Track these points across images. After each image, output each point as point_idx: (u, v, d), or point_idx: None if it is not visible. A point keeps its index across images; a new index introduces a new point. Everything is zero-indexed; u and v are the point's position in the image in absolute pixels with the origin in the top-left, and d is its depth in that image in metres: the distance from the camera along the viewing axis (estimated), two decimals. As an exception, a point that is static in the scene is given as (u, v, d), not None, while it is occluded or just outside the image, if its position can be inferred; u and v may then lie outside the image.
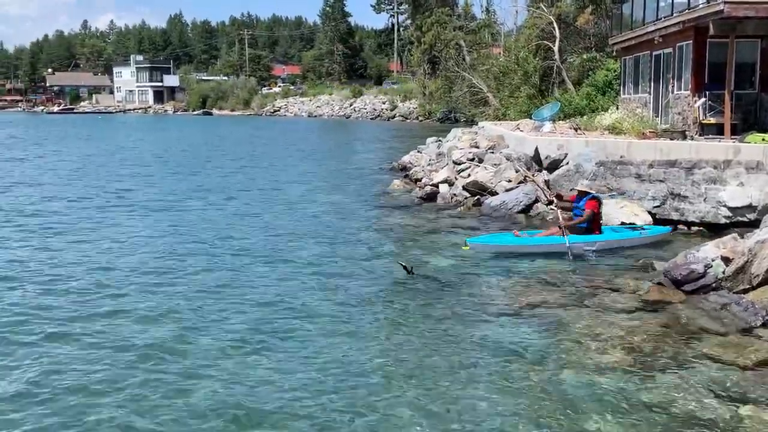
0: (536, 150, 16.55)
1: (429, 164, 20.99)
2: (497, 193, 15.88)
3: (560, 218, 11.75)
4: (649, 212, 13.41)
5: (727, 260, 9.04)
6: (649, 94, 21.02)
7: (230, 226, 14.29)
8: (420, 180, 19.57)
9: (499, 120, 31.94)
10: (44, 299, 9.05)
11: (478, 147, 20.06)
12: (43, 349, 7.35)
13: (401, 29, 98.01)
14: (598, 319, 8.33)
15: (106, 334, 7.79)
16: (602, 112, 21.82)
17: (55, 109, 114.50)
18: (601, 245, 11.51)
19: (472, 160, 18.59)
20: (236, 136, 49.38)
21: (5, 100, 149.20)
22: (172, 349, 7.35)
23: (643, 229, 12.48)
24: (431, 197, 17.42)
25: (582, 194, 11.98)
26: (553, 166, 15.77)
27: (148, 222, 14.77)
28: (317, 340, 7.59)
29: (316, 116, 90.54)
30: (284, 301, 8.99)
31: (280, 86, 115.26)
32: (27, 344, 7.48)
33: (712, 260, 9.17)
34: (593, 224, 11.80)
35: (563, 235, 11.37)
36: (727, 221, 12.97)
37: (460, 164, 18.55)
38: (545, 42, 35.72)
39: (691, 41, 17.70)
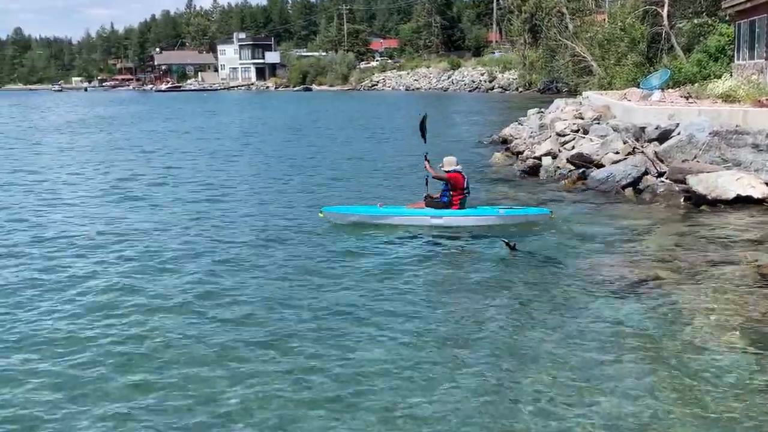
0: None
1: (531, 136, 20.55)
2: (604, 166, 15.38)
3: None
4: (767, 184, 12.70)
5: None
6: (766, 59, 19.83)
7: (325, 197, 14.45)
8: (522, 153, 19.19)
9: (604, 89, 30.89)
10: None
11: (582, 118, 19.50)
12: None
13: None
14: (713, 294, 7.98)
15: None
16: (715, 80, 20.76)
17: (163, 87, 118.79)
18: (449, 221, 11.34)
19: (577, 131, 18.08)
20: (336, 111, 49.93)
21: (117, 79, 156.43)
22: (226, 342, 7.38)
23: (510, 209, 11.97)
24: (534, 170, 17.08)
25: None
26: (664, 136, 15.12)
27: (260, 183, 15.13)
28: (421, 313, 7.59)
29: (413, 90, 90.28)
30: (392, 270, 9.08)
31: (377, 60, 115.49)
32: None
33: (841, 235, 8.61)
34: (452, 200, 11.50)
35: (454, 208, 11.42)
36: None
37: (563, 136, 18.07)
38: (653, 7, 34.15)
39: (815, 1, 16.54)
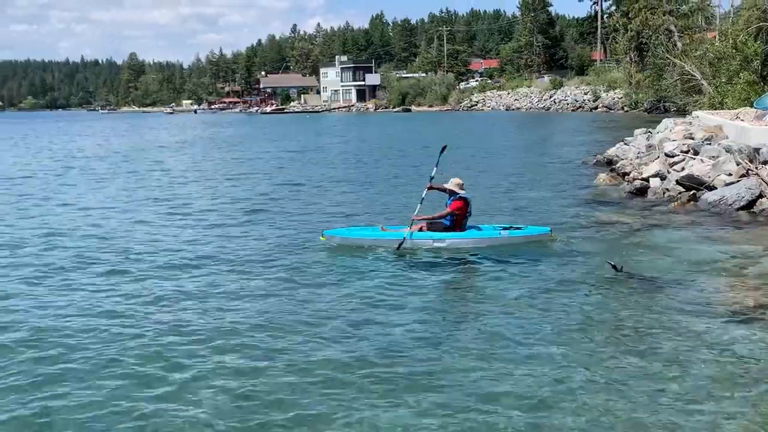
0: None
1: (638, 157, 20.04)
2: (715, 188, 14.85)
3: (417, 210, 11.68)
4: None
5: None
6: None
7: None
8: (628, 174, 18.75)
9: (715, 109, 29.83)
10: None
11: (692, 138, 18.88)
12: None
13: (605, 16, 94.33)
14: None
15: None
16: (836, 98, 19.72)
17: (268, 109, 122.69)
18: (452, 243, 11.33)
19: (687, 152, 17.51)
20: (435, 131, 50.14)
21: (224, 102, 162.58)
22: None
23: (511, 228, 11.67)
24: (641, 192, 16.66)
25: (452, 193, 11.55)
26: (781, 158, 14.49)
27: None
28: (520, 335, 7.52)
29: (514, 109, 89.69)
30: (484, 292, 9.05)
31: (477, 80, 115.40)
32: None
33: None
34: (455, 223, 11.39)
35: (418, 230, 11.38)
36: None
37: (672, 157, 17.54)
38: (767, 24, 32.89)
39: None
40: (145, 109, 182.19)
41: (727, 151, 16.00)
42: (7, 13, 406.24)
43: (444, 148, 12.40)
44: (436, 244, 11.39)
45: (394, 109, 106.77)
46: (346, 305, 8.77)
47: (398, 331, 7.78)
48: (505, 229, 11.70)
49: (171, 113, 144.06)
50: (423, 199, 11.83)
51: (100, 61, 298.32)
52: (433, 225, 11.59)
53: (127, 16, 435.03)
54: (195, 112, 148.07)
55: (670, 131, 21.53)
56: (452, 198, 11.60)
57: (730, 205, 13.98)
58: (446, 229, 11.54)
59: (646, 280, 9.50)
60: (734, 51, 33.12)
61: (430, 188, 11.78)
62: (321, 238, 11.98)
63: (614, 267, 9.74)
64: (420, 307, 8.64)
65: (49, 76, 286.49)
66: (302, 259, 11.19)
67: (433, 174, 11.87)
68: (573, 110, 79.09)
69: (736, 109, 25.62)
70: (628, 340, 7.35)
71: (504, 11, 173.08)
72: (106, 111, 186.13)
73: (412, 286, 9.59)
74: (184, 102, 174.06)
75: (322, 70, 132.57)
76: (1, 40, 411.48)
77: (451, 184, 11.64)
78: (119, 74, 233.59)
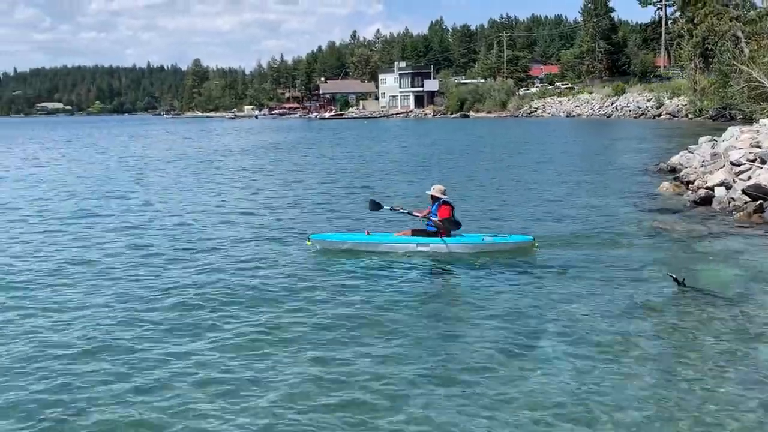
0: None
1: (702, 165, 19.61)
2: (784, 198, 14.45)
3: (425, 217, 11.74)
4: None
5: None
6: None
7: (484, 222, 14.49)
8: (692, 183, 18.36)
9: (784, 117, 28.95)
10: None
11: (760, 146, 18.38)
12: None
13: (669, 22, 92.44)
14: None
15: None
16: None
17: (327, 115, 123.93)
18: (435, 248, 11.43)
19: (754, 161, 17.07)
20: (496, 137, 49.92)
21: (284, 108, 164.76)
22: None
23: (494, 236, 11.75)
24: (705, 201, 16.30)
25: (435, 199, 11.55)
26: None
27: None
28: (582, 348, 7.46)
29: (574, 116, 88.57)
30: (540, 303, 8.99)
31: (537, 86, 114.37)
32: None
33: None
34: (440, 230, 11.47)
35: (440, 236, 11.47)
36: None
37: (738, 165, 17.12)
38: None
39: None
40: (208, 114, 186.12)
41: (796, 161, 15.56)
42: (78, 20, 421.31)
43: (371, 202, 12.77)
44: (420, 249, 11.51)
45: (452, 115, 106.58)
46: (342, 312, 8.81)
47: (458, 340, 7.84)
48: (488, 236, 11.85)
49: (233, 118, 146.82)
50: (409, 213, 12.16)
51: (165, 67, 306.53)
52: (418, 231, 11.77)
53: (192, 23, 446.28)
54: (256, 117, 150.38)
55: (736, 139, 21.00)
56: (437, 204, 11.64)
57: (800, 216, 13.58)
58: (430, 234, 11.67)
59: (708, 294, 9.23)
60: (805, 57, 32.17)
61: (402, 210, 12.28)
62: (307, 242, 12.14)
63: (676, 280, 9.45)
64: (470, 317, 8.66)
65: (116, 82, 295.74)
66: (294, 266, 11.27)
67: (389, 208, 12.43)
68: (635, 117, 77.54)
69: (806, 116, 24.85)
70: (693, 358, 7.19)
71: (565, 17, 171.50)
72: (170, 116, 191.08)
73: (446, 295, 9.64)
74: (246, 107, 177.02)
75: (380, 76, 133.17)
76: (71, 46, 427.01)
77: (434, 190, 11.77)
78: (183, 80, 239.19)
